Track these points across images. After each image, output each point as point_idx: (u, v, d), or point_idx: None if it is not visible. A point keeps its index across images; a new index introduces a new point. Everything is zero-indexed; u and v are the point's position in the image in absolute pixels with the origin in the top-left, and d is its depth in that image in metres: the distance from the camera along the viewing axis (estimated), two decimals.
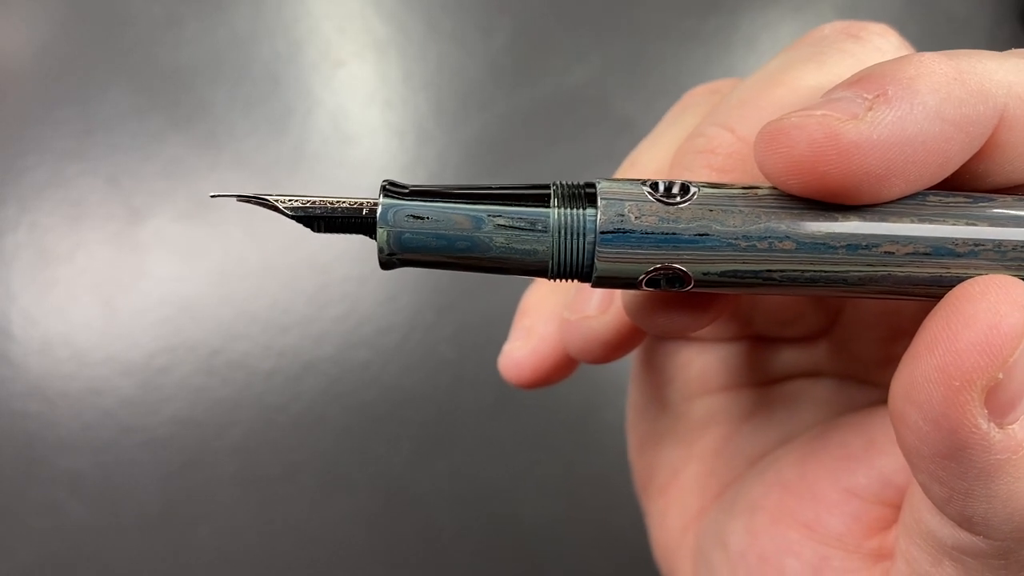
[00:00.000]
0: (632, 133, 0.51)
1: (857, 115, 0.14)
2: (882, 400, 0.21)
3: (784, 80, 0.18)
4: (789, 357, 0.24)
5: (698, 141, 0.18)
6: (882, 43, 0.19)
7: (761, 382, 0.24)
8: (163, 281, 0.49)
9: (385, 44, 0.55)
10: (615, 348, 0.20)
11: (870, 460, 0.20)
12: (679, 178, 0.17)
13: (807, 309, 0.23)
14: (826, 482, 0.20)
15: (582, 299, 0.20)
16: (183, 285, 0.49)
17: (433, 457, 0.47)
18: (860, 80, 0.15)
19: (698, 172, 0.17)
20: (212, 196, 0.16)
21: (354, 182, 0.52)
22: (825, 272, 0.15)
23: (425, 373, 0.48)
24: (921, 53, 0.15)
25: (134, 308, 0.48)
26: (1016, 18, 0.55)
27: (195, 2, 0.55)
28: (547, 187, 0.15)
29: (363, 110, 0.53)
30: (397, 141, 0.53)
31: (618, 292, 0.20)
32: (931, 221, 0.15)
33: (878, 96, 0.14)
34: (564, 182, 0.15)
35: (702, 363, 0.24)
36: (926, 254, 0.15)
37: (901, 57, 0.15)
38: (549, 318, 0.22)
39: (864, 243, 0.15)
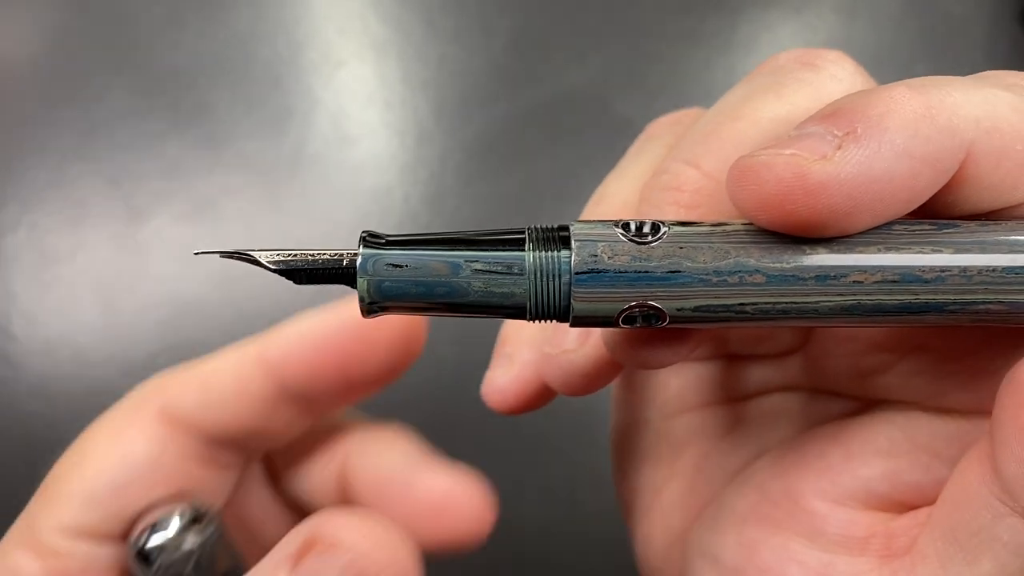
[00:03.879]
0: (632, 133, 0.50)
1: (826, 154, 0.15)
2: (854, 411, 0.21)
3: (744, 113, 0.18)
4: (763, 373, 0.24)
5: (663, 178, 0.18)
6: (837, 71, 0.19)
7: (737, 398, 0.24)
8: (164, 281, 0.49)
9: (385, 44, 0.55)
10: (594, 380, 0.21)
11: (851, 470, 0.20)
12: (648, 215, 0.18)
13: (779, 327, 0.23)
14: (811, 494, 0.20)
15: (560, 334, 0.21)
16: (184, 285, 0.49)
17: None
18: (831, 115, 0.15)
19: (665, 209, 0.18)
20: (196, 254, 0.18)
21: (354, 182, 0.52)
22: (796, 304, 0.15)
23: (425, 373, 0.48)
24: (891, 86, 0.15)
25: (135, 308, 0.48)
26: (1014, 18, 0.55)
27: (196, 3, 0.55)
28: (522, 231, 0.16)
29: (363, 110, 0.54)
30: (397, 141, 0.53)
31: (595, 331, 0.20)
32: (898, 250, 0.15)
33: (848, 134, 0.15)
34: (539, 226, 0.16)
35: (679, 382, 0.25)
36: (894, 282, 0.15)
37: (872, 91, 0.15)
38: (529, 345, 0.23)
39: (833, 274, 0.15)
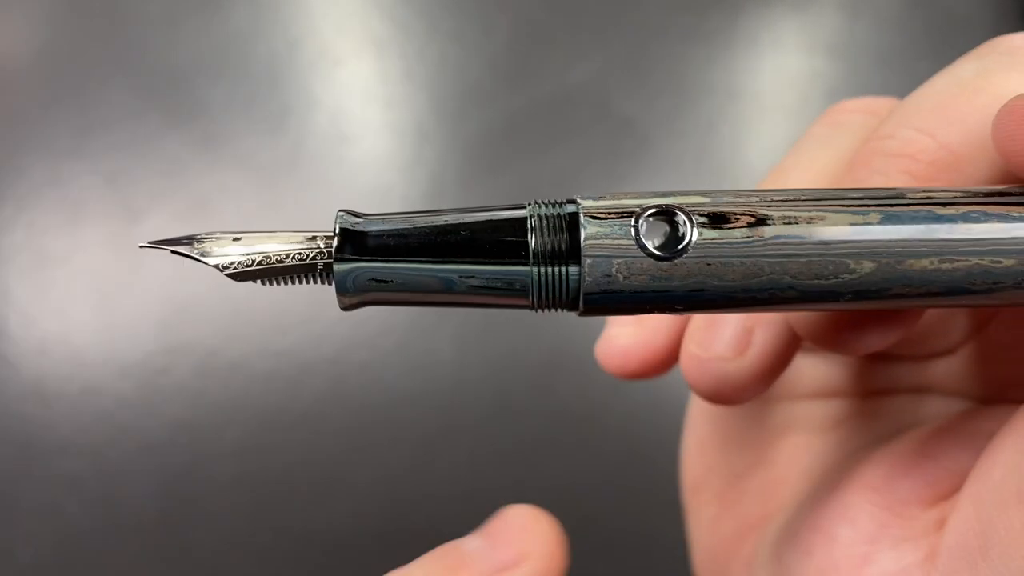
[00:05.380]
0: (632, 133, 0.50)
1: None
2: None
3: (984, 87, 0.16)
4: (902, 372, 0.22)
5: (889, 143, 0.16)
6: None
7: (862, 393, 0.22)
8: (161, 281, 0.49)
9: (384, 43, 0.55)
10: (749, 391, 0.19)
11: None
12: (866, 182, 0.16)
13: (953, 325, 0.21)
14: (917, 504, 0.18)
15: (712, 334, 0.18)
16: (181, 286, 0.49)
17: (433, 459, 0.47)
18: None
19: (894, 178, 0.16)
20: (141, 247, 0.16)
21: (353, 181, 0.51)
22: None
23: (425, 374, 0.48)
24: None
25: (132, 309, 0.48)
26: (1017, 16, 0.55)
27: (193, 1, 0.55)
28: (523, 228, 0.14)
29: (362, 109, 0.53)
30: (397, 140, 0.52)
31: (757, 328, 0.18)
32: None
33: None
34: (544, 216, 0.14)
35: (795, 366, 0.22)
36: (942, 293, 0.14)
37: None
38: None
39: (874, 288, 0.14)
